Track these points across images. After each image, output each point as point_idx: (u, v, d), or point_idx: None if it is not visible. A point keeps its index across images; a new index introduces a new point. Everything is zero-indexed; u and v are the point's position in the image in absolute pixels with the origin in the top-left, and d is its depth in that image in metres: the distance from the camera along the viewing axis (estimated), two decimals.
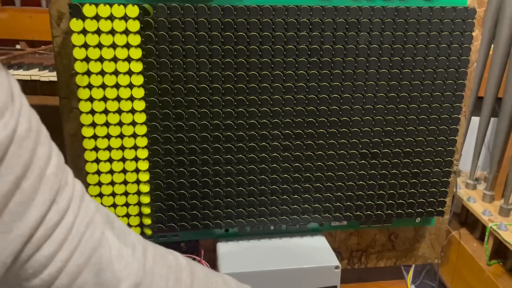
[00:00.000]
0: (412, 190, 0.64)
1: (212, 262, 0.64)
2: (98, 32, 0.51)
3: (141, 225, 0.60)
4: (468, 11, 0.57)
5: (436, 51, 0.57)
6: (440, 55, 0.58)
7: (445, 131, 0.61)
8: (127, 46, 0.53)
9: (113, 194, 0.57)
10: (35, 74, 1.15)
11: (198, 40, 0.53)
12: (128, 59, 0.53)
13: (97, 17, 0.51)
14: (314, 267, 0.59)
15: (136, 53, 0.53)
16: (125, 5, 0.52)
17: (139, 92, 0.54)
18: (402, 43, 0.57)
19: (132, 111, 0.55)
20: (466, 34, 0.57)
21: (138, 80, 0.54)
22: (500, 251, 1.23)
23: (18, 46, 2.16)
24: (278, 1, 0.54)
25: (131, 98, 0.54)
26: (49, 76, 1.14)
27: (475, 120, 1.41)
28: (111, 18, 0.51)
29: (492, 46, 1.29)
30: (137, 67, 0.53)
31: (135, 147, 0.56)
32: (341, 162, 0.61)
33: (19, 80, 1.09)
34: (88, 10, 0.51)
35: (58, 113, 0.98)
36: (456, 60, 0.58)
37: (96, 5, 0.51)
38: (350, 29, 0.55)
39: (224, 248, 0.62)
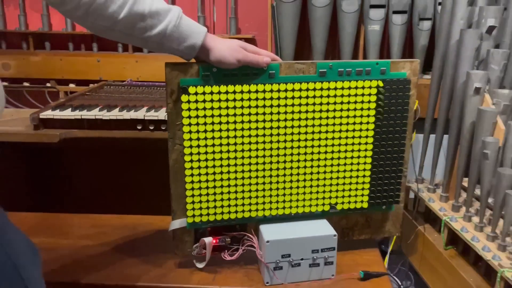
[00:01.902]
0: (380, 189, 1.06)
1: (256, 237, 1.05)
2: (196, 101, 0.93)
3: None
4: (406, 81, 1.01)
5: (389, 105, 1.01)
6: (391, 106, 1.01)
7: (398, 152, 1.04)
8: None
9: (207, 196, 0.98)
10: (98, 114, 1.55)
11: None
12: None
13: (196, 93, 0.93)
14: (321, 235, 1.01)
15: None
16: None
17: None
18: (369, 101, 1.00)
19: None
20: (406, 94, 1.01)
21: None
22: (454, 238, 1.65)
23: (48, 84, 2.54)
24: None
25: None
26: (109, 115, 1.54)
27: (432, 137, 1.85)
28: (203, 93, 0.93)
29: (442, 82, 1.74)
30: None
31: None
32: (340, 178, 1.03)
33: (84, 119, 1.53)
34: (192, 89, 0.92)
35: (116, 143, 1.45)
36: (402, 109, 1.02)
37: (195, 86, 0.93)
38: (336, 97, 0.98)
39: (265, 227, 1.04)
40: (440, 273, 1.64)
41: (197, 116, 0.95)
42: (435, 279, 1.68)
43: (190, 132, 0.95)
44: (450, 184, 1.77)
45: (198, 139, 0.96)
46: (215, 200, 1.01)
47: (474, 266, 1.53)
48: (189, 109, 0.94)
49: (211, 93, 0.95)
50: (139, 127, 1.56)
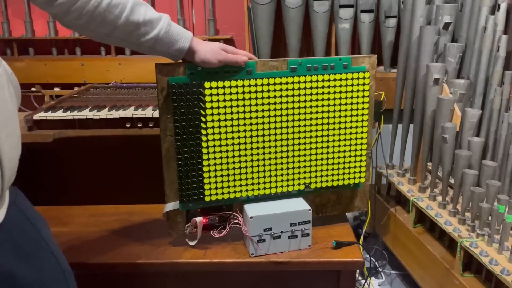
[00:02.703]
0: (349, 169, 1.24)
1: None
2: (186, 94, 1.09)
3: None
4: (365, 73, 1.19)
5: (353, 93, 1.19)
6: (354, 96, 1.19)
7: (363, 136, 1.22)
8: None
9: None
10: (88, 114, 1.70)
11: None
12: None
13: (183, 89, 1.09)
14: (298, 210, 1.19)
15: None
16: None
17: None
18: (334, 91, 1.18)
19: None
20: (366, 85, 1.19)
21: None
22: (421, 217, 1.85)
23: (33, 89, 2.66)
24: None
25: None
26: (100, 115, 1.69)
27: (400, 126, 2.04)
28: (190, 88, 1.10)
29: (406, 75, 1.93)
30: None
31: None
32: (313, 160, 1.21)
33: (75, 119, 1.69)
34: (180, 86, 1.09)
35: (106, 141, 1.62)
36: (362, 98, 1.20)
37: (183, 83, 1.09)
38: (306, 89, 1.16)
39: (249, 206, 1.21)
40: (410, 249, 1.83)
41: (185, 110, 1.11)
42: (406, 255, 1.88)
43: (179, 123, 1.11)
44: (417, 168, 1.97)
45: (186, 129, 1.12)
46: (204, 183, 1.17)
47: (439, 240, 1.73)
48: (177, 104, 1.10)
49: (197, 88, 1.11)
50: (127, 125, 1.71)
